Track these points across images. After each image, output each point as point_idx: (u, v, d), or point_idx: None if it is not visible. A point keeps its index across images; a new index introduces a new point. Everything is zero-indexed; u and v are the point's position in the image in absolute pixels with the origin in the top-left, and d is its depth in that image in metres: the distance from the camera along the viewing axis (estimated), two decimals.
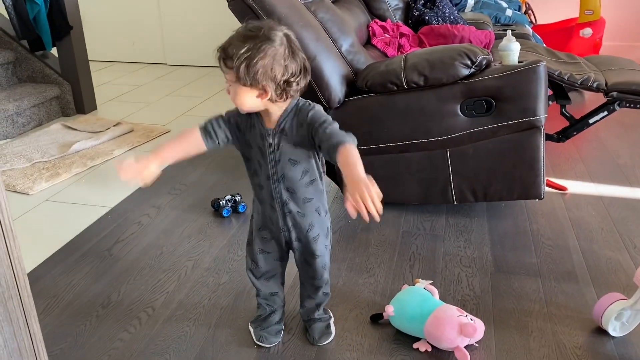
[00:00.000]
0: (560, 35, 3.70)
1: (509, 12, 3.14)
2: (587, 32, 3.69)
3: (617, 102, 2.02)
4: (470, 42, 2.39)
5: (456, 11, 2.68)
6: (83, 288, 1.72)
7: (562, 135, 2.19)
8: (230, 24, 5.04)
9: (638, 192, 2.30)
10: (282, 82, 1.17)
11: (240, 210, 2.17)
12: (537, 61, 1.84)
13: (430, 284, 1.57)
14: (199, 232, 2.04)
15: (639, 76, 2.10)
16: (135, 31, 4.68)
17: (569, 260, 1.84)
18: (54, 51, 3.38)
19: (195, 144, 1.28)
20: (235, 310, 1.60)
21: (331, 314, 1.52)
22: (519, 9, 3.32)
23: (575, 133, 2.14)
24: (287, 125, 1.24)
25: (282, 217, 1.33)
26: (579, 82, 2.04)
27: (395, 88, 1.93)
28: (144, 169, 1.20)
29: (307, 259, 1.37)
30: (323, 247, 1.37)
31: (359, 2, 2.57)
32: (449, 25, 2.43)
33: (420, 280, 1.58)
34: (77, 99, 3.38)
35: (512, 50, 1.92)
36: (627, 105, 2.03)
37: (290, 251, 1.41)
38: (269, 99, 1.18)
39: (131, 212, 2.20)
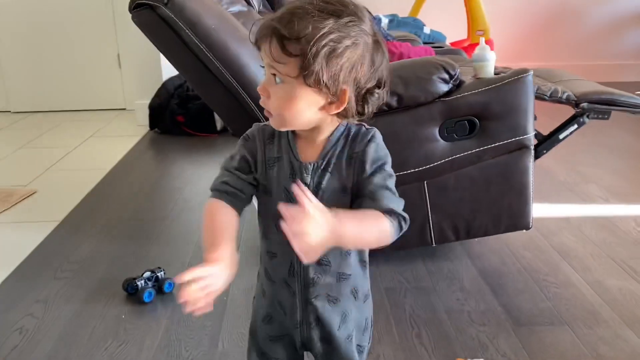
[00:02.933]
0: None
1: (427, 30, 2.97)
2: None
3: (587, 113, 1.84)
4: (411, 58, 2.11)
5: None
6: None
7: None
8: (87, 63, 4.26)
9: (598, 209, 2.17)
10: (364, 89, 0.76)
11: (166, 290, 1.61)
12: (524, 70, 1.58)
13: None
14: (116, 331, 1.45)
15: (599, 86, 1.96)
16: None
17: (582, 298, 1.58)
18: None
19: (232, 217, 0.81)
20: None
21: None
22: (422, 28, 3.18)
23: (545, 151, 1.92)
24: (335, 158, 0.80)
25: (302, 305, 0.86)
26: (548, 94, 1.83)
27: None
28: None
29: None
30: (359, 350, 0.91)
31: None
32: (384, 41, 2.14)
33: None
34: None
35: (488, 61, 1.65)
36: (596, 116, 1.86)
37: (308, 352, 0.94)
38: (339, 112, 0.77)
39: (5, 315, 1.53)
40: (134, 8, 1.49)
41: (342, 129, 0.81)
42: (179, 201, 2.31)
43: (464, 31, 3.84)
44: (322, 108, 0.76)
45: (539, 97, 1.85)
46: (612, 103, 1.80)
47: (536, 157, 1.94)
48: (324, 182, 0.80)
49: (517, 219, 1.72)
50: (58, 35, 3.70)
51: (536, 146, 1.97)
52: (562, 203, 2.23)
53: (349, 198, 0.81)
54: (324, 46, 0.71)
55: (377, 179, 0.79)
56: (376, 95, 0.78)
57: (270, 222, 0.85)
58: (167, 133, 3.23)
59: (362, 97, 0.77)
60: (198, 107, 3.17)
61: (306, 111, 0.76)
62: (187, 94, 3.28)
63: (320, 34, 0.71)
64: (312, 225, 0.67)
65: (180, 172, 2.70)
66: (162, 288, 1.61)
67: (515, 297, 1.59)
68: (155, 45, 1.56)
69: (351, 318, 0.88)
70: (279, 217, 0.81)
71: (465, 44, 3.67)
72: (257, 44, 0.76)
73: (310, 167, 0.80)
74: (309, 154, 0.81)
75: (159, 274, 1.63)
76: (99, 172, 2.58)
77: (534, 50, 4.18)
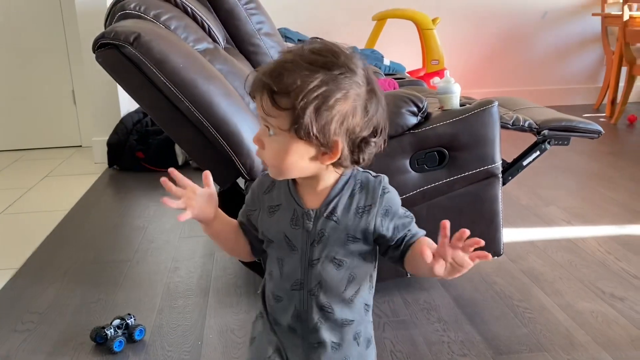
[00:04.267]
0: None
1: (386, 61, 3.03)
2: (437, 80, 3.74)
3: (548, 140, 1.90)
4: None
5: None
6: None
7: None
8: (40, 100, 4.15)
9: (561, 231, 2.22)
10: (359, 139, 0.76)
11: (136, 337, 1.54)
12: (489, 101, 1.63)
13: None
14: None
15: (557, 113, 2.03)
16: None
17: (557, 322, 1.60)
18: None
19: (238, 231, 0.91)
20: None
21: None
22: (382, 59, 3.23)
23: (510, 178, 1.97)
24: (342, 207, 0.81)
25: (305, 351, 0.87)
26: (510, 122, 1.88)
27: None
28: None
29: None
30: None
31: (243, 57, 2.16)
32: (380, 89, 2.16)
33: None
34: None
35: (454, 93, 1.69)
36: (557, 142, 1.92)
37: None
38: (335, 162, 0.77)
39: None
40: (98, 48, 1.45)
41: (345, 177, 0.82)
42: (143, 241, 2.24)
43: (419, 60, 3.93)
44: (316, 159, 0.76)
45: (503, 125, 1.89)
46: (571, 129, 1.86)
47: (503, 183, 1.98)
48: (328, 230, 0.80)
49: (489, 247, 1.72)
50: (9, 71, 3.58)
51: (501, 173, 2.01)
52: (527, 227, 2.28)
53: (356, 246, 0.81)
54: (313, 100, 0.71)
55: (407, 219, 0.83)
56: (372, 143, 0.78)
57: (275, 267, 0.86)
58: (127, 170, 3.15)
59: (357, 146, 0.77)
60: (158, 143, 3.11)
61: (300, 162, 0.76)
62: (147, 130, 3.22)
63: (310, 87, 0.71)
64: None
65: (142, 210, 2.62)
66: (132, 336, 1.54)
67: (492, 325, 1.60)
68: (121, 86, 1.53)
69: None
70: (282, 262, 0.84)
71: (421, 73, 3.75)
72: (251, 95, 0.78)
73: (313, 214, 0.81)
74: (311, 201, 0.82)
75: (129, 321, 1.56)
76: (57, 214, 2.48)
77: (486, 77, 4.32)
